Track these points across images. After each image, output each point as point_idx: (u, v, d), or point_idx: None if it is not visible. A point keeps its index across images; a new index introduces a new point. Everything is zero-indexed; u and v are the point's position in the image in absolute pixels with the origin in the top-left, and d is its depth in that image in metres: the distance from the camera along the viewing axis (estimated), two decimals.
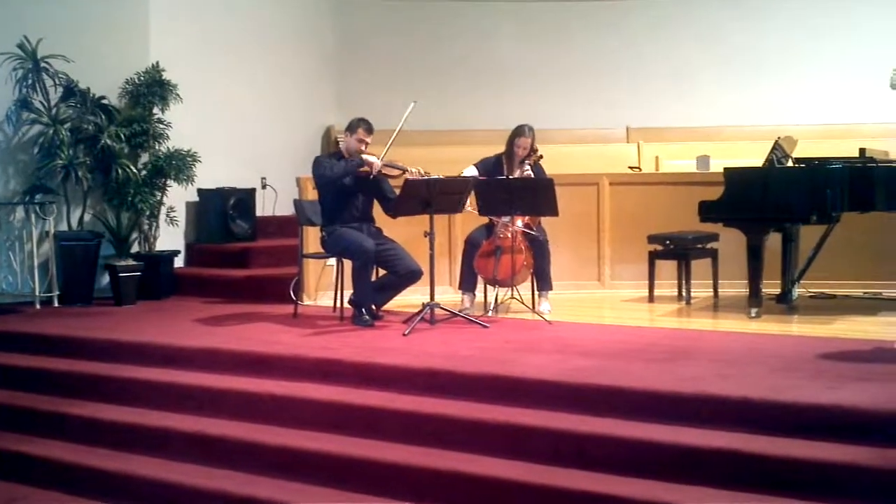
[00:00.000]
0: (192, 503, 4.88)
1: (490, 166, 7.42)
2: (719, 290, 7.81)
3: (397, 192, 6.85)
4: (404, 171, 6.88)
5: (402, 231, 7.09)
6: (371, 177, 6.74)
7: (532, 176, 7.26)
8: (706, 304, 7.61)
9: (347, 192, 6.87)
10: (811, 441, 4.23)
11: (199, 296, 8.31)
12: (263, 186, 9.55)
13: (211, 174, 8.82)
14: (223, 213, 8.96)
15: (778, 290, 7.35)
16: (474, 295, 7.34)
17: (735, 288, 7.66)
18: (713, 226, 7.34)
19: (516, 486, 4.35)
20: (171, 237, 8.78)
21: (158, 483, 5.03)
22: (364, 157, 6.79)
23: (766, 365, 5.20)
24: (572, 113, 10.54)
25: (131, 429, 5.53)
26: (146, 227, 8.48)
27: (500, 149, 7.50)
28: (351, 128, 6.97)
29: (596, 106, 10.62)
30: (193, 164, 8.42)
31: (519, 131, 7.37)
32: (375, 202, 7.03)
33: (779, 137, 7.22)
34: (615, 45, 10.71)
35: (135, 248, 8.46)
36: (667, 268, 7.82)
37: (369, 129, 6.94)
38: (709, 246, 7.77)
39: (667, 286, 7.82)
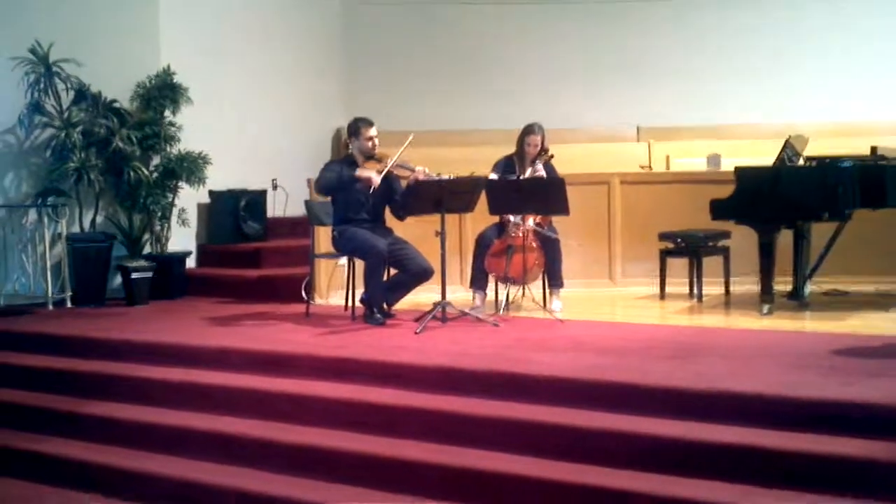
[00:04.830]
0: (209, 501, 4.91)
1: (501, 168, 7.43)
2: (731, 287, 7.80)
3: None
4: (413, 171, 6.90)
5: (413, 230, 7.11)
6: (371, 191, 6.72)
7: (544, 176, 7.27)
8: (718, 301, 7.60)
9: (359, 192, 6.88)
10: (825, 436, 4.24)
11: (210, 296, 8.34)
12: (274, 188, 9.57)
13: (222, 176, 8.85)
14: (235, 214, 8.98)
15: (790, 287, 7.35)
16: (485, 293, 7.34)
17: (747, 285, 7.63)
18: (725, 223, 7.32)
19: (532, 483, 4.37)
20: (182, 238, 8.81)
21: (174, 481, 5.06)
22: (360, 173, 6.73)
23: (778, 361, 5.21)
24: (583, 112, 10.52)
25: (147, 428, 5.56)
26: (158, 228, 8.53)
27: (511, 149, 7.51)
28: (353, 132, 6.96)
29: (606, 105, 10.61)
30: (205, 166, 8.47)
31: (529, 129, 7.38)
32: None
33: (790, 136, 7.21)
34: (625, 45, 10.68)
35: (147, 250, 8.50)
36: (678, 266, 7.81)
37: (370, 125, 6.95)
38: (720, 243, 7.76)
39: (678, 284, 7.80)
